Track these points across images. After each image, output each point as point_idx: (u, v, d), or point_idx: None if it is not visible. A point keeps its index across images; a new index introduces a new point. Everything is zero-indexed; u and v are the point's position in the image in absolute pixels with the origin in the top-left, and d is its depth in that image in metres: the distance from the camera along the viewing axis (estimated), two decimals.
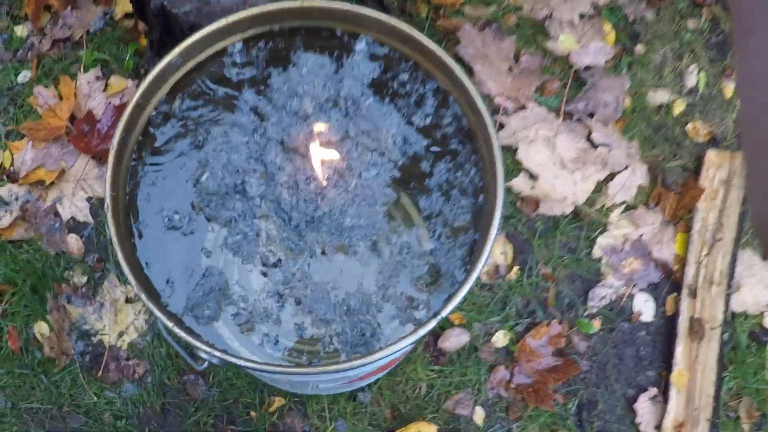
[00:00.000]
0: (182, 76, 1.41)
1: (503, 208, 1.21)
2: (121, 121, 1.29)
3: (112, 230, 1.21)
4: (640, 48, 2.41)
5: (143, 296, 1.19)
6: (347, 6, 1.40)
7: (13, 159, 2.28)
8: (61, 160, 2.28)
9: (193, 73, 1.42)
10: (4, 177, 2.28)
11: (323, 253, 1.31)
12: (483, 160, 1.33)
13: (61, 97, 2.33)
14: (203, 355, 1.23)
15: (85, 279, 2.18)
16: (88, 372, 2.10)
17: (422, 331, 1.15)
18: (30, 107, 2.34)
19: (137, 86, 1.29)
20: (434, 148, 1.36)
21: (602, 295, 2.13)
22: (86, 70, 2.38)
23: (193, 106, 1.39)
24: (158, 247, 1.30)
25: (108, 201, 1.23)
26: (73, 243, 2.21)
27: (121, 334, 2.14)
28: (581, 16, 2.40)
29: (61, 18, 2.42)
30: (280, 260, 1.30)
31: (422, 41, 1.37)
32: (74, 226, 2.23)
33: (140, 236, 1.31)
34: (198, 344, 1.15)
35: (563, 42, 2.38)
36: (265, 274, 1.30)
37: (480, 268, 1.18)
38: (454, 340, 2.06)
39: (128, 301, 2.15)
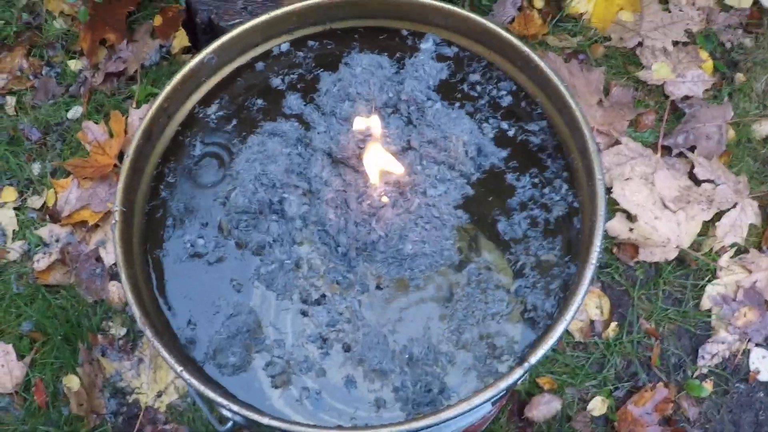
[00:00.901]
0: (220, 81, 1.22)
1: (604, 227, 0.95)
2: (139, 127, 1.08)
3: (118, 249, 1.01)
4: (740, 76, 2.25)
5: (144, 326, 0.96)
6: None
7: (56, 198, 2.14)
8: (107, 200, 2.13)
9: (232, 78, 1.22)
10: (46, 217, 2.13)
11: (378, 287, 1.06)
12: (576, 173, 1.09)
13: (111, 134, 2.19)
14: (225, 412, 0.99)
15: (124, 331, 1.99)
16: None
17: (503, 384, 0.89)
18: (78, 144, 2.21)
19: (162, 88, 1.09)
20: (514, 161, 1.12)
21: (714, 352, 1.92)
22: (139, 105, 2.24)
23: (229, 114, 1.19)
24: (179, 278, 1.09)
25: (116, 216, 1.03)
26: (115, 291, 2.03)
27: (159, 394, 1.93)
28: (675, 44, 2.25)
29: (116, 52, 2.30)
30: (324, 296, 1.06)
31: (500, 34, 1.16)
32: (117, 272, 2.05)
33: (158, 266, 1.09)
34: (207, 391, 0.91)
35: (657, 71, 2.19)
36: (305, 314, 1.06)
37: (578, 304, 0.92)
38: (544, 408, 1.83)
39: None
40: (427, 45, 1.21)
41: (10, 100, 2.29)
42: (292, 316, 1.06)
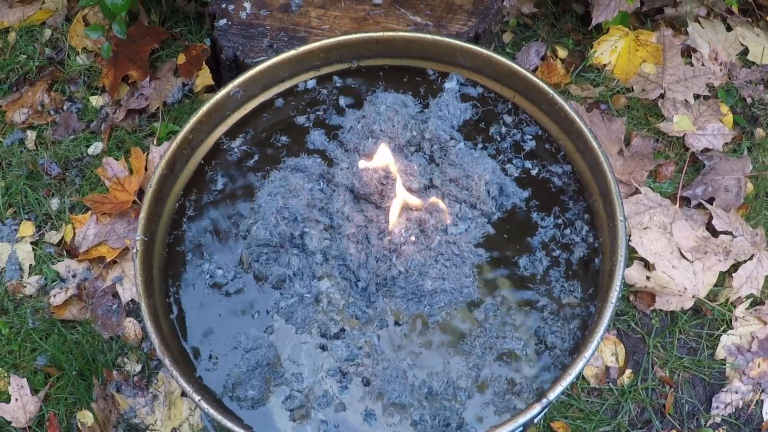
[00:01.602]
0: (244, 115, 1.23)
1: (624, 267, 0.94)
2: (163, 157, 1.09)
3: (138, 278, 1.00)
4: (760, 131, 2.25)
5: (163, 355, 0.95)
6: (437, 37, 1.20)
7: (74, 233, 2.13)
8: (125, 237, 2.13)
9: (256, 113, 1.23)
10: (64, 252, 2.13)
11: (397, 324, 1.05)
12: (598, 216, 1.08)
13: (131, 171, 2.20)
14: None
15: (139, 367, 1.97)
16: None
17: (522, 419, 0.88)
18: (97, 179, 2.21)
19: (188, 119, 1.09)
20: (536, 202, 1.11)
21: (727, 401, 1.88)
22: (160, 142, 2.25)
23: (252, 148, 1.20)
24: (199, 310, 1.08)
25: (137, 246, 1.02)
26: (131, 327, 2.02)
27: (173, 431, 1.91)
28: (696, 97, 2.24)
29: (138, 89, 2.32)
30: (343, 330, 1.05)
31: (526, 77, 1.16)
32: (134, 309, 2.05)
33: (177, 296, 1.08)
34: (224, 421, 0.90)
35: (678, 123, 2.19)
36: (324, 348, 1.05)
37: (597, 342, 0.91)
38: None
39: (185, 394, 1.92)
40: (451, 84, 1.22)
41: (31, 135, 2.30)
42: (311, 350, 1.05)
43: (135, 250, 1.02)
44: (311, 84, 1.25)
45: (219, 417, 0.91)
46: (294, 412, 1.01)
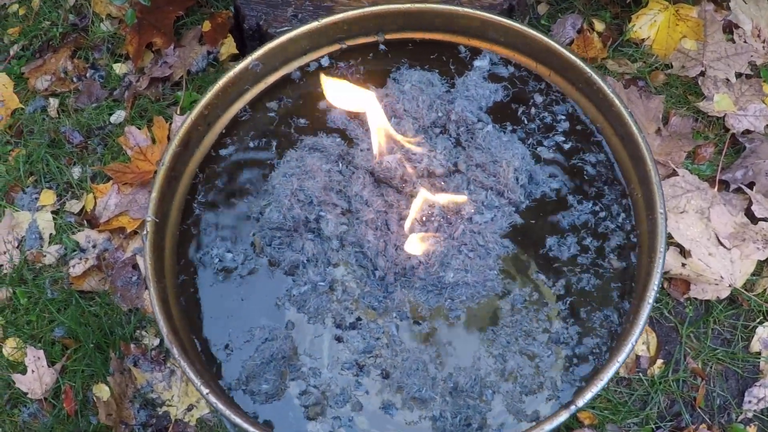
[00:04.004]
0: (263, 90, 1.17)
1: (663, 265, 0.88)
2: (177, 134, 1.04)
3: (148, 261, 0.96)
4: None
5: (171, 344, 0.90)
6: (468, 10, 1.13)
7: (95, 203, 2.10)
8: (147, 207, 2.09)
9: (275, 88, 1.17)
10: (84, 222, 2.10)
11: (416, 322, 0.99)
12: (636, 206, 1.01)
13: (153, 140, 2.16)
14: None
15: (157, 341, 1.95)
16: None
17: (547, 426, 0.83)
18: (119, 149, 2.17)
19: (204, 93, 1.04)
20: (568, 192, 1.05)
21: (760, 396, 1.82)
22: (183, 112, 2.20)
23: (270, 125, 1.14)
24: (212, 298, 1.03)
25: (148, 227, 0.98)
26: (150, 300, 1.99)
27: (190, 408, 1.88)
28: (738, 76, 2.14)
29: (162, 56, 2.27)
30: (359, 320, 1.00)
31: (562, 53, 1.09)
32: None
33: (189, 281, 1.04)
34: (232, 416, 0.86)
35: (719, 102, 2.09)
36: (339, 339, 0.99)
37: (631, 346, 0.85)
38: None
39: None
40: (482, 63, 1.15)
41: (53, 102, 2.27)
42: (328, 343, 1.00)
43: (145, 232, 0.98)
44: (333, 58, 1.18)
45: (227, 412, 0.87)
46: (309, 409, 0.97)
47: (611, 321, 0.97)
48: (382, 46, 1.20)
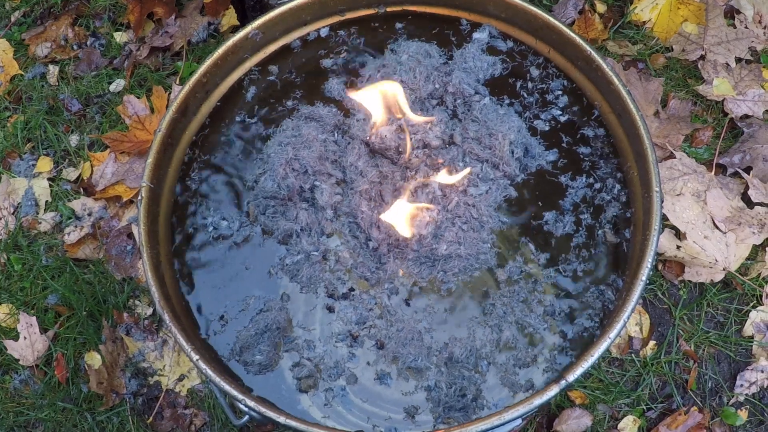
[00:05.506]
0: (262, 59, 1.17)
1: (657, 243, 0.88)
2: (174, 101, 1.03)
3: (141, 227, 0.96)
4: None
5: (163, 310, 0.91)
6: None
7: (92, 171, 2.10)
8: (143, 176, 2.09)
9: (274, 57, 1.17)
10: (81, 189, 2.09)
11: (407, 301, 0.99)
12: (631, 184, 1.01)
13: (152, 109, 2.15)
14: (241, 407, 0.93)
15: (150, 311, 1.95)
16: (139, 416, 1.84)
17: (537, 401, 0.83)
18: (118, 117, 2.17)
19: (202, 61, 1.04)
20: (564, 165, 1.05)
21: (752, 380, 1.82)
22: (182, 82, 2.19)
23: (266, 94, 1.13)
24: (205, 266, 1.03)
25: (143, 192, 0.98)
26: (144, 270, 1.99)
27: (181, 378, 1.88)
28: (738, 60, 2.14)
29: (163, 26, 2.26)
30: (352, 290, 1.00)
31: (562, 30, 1.09)
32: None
33: (183, 248, 1.04)
34: (222, 383, 0.86)
35: (718, 87, 2.09)
36: (331, 309, 1.00)
37: (623, 323, 0.86)
38: (573, 423, 1.74)
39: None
40: (481, 35, 1.15)
41: (53, 69, 2.26)
42: (321, 315, 1.01)
43: (140, 197, 0.97)
44: (333, 29, 1.18)
45: (217, 379, 0.87)
46: (301, 381, 0.97)
47: (605, 297, 0.97)
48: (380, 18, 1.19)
